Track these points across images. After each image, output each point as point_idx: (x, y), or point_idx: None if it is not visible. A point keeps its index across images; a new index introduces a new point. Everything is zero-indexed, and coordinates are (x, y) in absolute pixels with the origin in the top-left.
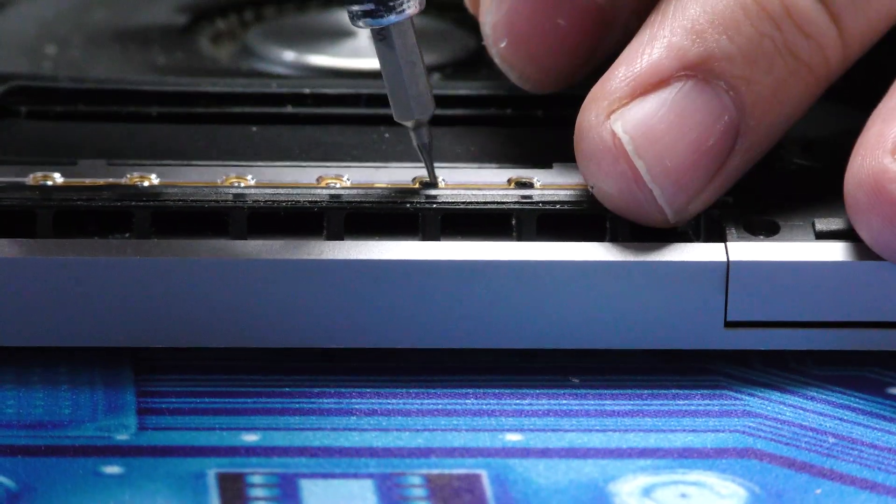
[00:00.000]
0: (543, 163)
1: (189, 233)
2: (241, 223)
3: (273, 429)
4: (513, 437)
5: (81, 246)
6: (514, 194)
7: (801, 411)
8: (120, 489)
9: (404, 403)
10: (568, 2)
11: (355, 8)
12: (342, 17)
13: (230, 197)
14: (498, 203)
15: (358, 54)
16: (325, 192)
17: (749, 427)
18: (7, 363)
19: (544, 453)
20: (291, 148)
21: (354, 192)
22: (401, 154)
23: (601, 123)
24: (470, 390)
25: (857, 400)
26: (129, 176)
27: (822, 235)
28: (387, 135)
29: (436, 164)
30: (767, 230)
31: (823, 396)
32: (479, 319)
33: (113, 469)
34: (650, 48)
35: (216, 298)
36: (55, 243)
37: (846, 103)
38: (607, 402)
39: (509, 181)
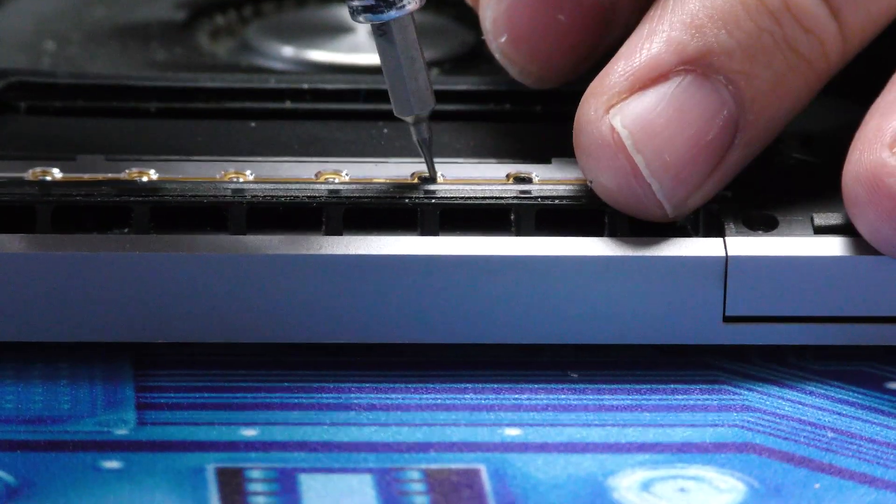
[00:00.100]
0: (542, 158)
1: (188, 228)
2: (240, 218)
3: (272, 423)
4: (511, 432)
5: (80, 241)
6: (512, 189)
7: (800, 406)
8: (119, 484)
9: (403, 398)
10: None
11: (356, 3)
12: (341, 12)
13: (229, 192)
14: (497, 198)
15: (357, 50)
16: (323, 187)
17: (748, 421)
18: (6, 358)
19: (543, 448)
20: (290, 143)
21: (353, 187)
22: (399, 149)
23: (600, 118)
24: (469, 385)
25: (856, 395)
26: (128, 171)
27: (820, 230)
28: (385, 130)
29: (435, 160)
30: (766, 225)
31: (822, 391)
32: (477, 314)
33: (112, 464)
34: (649, 42)
35: (215, 294)
36: (54, 238)
37: (845, 98)
38: (606, 396)
39: (508, 176)
